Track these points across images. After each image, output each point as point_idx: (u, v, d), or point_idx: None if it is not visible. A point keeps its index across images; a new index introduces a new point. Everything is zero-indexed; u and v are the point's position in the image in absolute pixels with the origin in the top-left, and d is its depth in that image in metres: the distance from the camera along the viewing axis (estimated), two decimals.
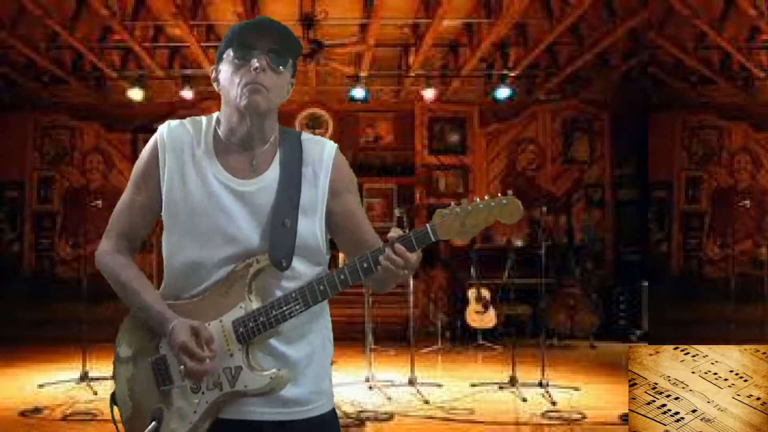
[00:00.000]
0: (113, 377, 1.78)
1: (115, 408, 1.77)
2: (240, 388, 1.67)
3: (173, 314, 1.69)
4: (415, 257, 1.63)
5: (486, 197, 1.70)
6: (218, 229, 1.71)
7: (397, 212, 6.76)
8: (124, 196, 1.81)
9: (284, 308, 1.67)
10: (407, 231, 1.66)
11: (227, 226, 1.72)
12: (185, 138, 1.78)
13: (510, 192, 1.70)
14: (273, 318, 1.67)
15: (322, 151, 1.83)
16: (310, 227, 1.76)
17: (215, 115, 1.83)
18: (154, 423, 1.68)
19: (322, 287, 1.68)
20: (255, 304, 1.69)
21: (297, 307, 1.68)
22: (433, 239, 1.66)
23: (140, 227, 1.81)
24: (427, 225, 1.66)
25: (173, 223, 1.75)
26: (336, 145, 1.87)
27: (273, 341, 1.72)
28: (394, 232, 1.65)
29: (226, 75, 1.75)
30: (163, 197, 1.75)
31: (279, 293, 1.72)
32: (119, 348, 1.78)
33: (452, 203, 1.69)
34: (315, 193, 1.78)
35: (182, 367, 1.64)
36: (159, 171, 1.76)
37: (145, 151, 1.79)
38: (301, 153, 1.81)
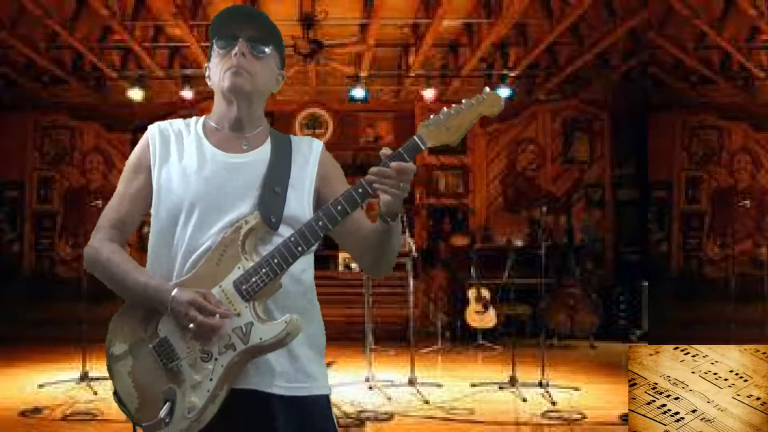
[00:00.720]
0: (111, 377, 1.75)
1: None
2: (255, 342, 1.66)
3: (171, 285, 1.69)
4: (410, 164, 1.63)
5: (464, 100, 1.73)
6: (208, 199, 1.74)
7: None
8: (116, 191, 1.85)
9: (285, 253, 1.67)
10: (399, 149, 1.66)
11: (216, 196, 1.74)
12: (173, 130, 1.86)
13: (487, 89, 1.74)
14: (276, 265, 1.67)
15: (310, 143, 1.91)
16: (299, 198, 1.80)
17: (203, 117, 1.92)
18: (168, 403, 1.66)
19: (321, 222, 1.67)
20: (252, 262, 1.69)
21: (299, 248, 1.67)
22: (423, 147, 1.67)
23: (131, 216, 1.82)
24: (414, 136, 1.67)
25: (161, 207, 1.77)
26: (322, 144, 1.94)
27: (278, 313, 1.71)
28: (384, 153, 1.65)
29: (213, 65, 1.83)
30: (153, 181, 1.79)
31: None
32: (113, 347, 1.75)
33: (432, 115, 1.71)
34: (303, 174, 1.84)
35: (192, 325, 1.62)
36: (150, 160, 1.80)
37: (136, 148, 1.86)
38: (290, 144, 1.88)
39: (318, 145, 1.91)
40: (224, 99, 1.83)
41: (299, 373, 1.78)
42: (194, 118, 1.91)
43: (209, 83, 1.88)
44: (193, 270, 1.72)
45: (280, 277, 1.68)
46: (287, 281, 1.73)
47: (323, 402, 1.83)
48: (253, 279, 1.67)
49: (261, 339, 1.66)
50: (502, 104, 1.73)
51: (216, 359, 1.66)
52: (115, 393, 1.75)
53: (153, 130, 1.85)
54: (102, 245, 1.78)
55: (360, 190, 1.66)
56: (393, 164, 1.62)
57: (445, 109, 1.70)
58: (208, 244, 1.72)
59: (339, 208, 1.66)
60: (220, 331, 1.65)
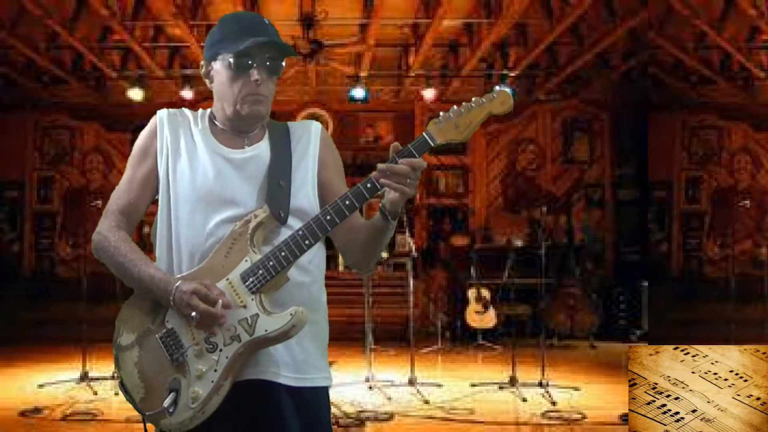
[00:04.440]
0: (117, 367, 1.76)
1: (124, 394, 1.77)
2: (260, 333, 1.67)
3: (176, 278, 1.71)
4: (420, 160, 1.64)
5: (474, 99, 1.73)
6: (214, 194, 1.76)
7: None
8: (123, 177, 1.85)
9: (292, 246, 1.68)
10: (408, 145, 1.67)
11: (222, 189, 1.76)
12: (183, 118, 1.87)
13: (497, 87, 1.73)
14: (283, 258, 1.68)
15: (309, 128, 1.92)
16: (303, 190, 1.82)
17: (210, 110, 1.91)
18: (172, 394, 1.67)
19: (329, 217, 1.68)
20: (260, 255, 1.70)
21: (307, 242, 1.68)
22: (432, 144, 1.68)
23: (139, 202, 1.83)
24: (424, 133, 1.68)
25: (168, 196, 1.79)
26: (321, 125, 1.95)
27: (283, 304, 1.72)
28: (393, 148, 1.66)
29: (223, 78, 1.81)
30: (160, 170, 1.81)
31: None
32: (120, 338, 1.77)
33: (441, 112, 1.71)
34: (305, 162, 1.85)
35: (194, 313, 1.63)
36: (157, 145, 1.82)
37: (143, 132, 1.86)
38: (288, 132, 1.89)
39: (317, 128, 1.92)
40: (234, 115, 1.81)
41: (305, 364, 1.79)
42: (200, 111, 1.91)
43: (207, 82, 1.88)
44: (201, 263, 1.74)
45: (287, 269, 1.69)
46: (294, 273, 1.75)
47: (324, 393, 1.85)
48: (260, 272, 1.68)
49: (266, 330, 1.66)
50: (512, 102, 1.74)
51: (221, 350, 1.67)
52: (121, 383, 1.76)
53: (161, 115, 1.86)
54: (110, 232, 1.78)
55: (368, 185, 1.67)
56: (403, 160, 1.63)
57: (455, 106, 1.71)
58: (214, 238, 1.74)
59: (347, 202, 1.67)
60: (226, 323, 1.66)
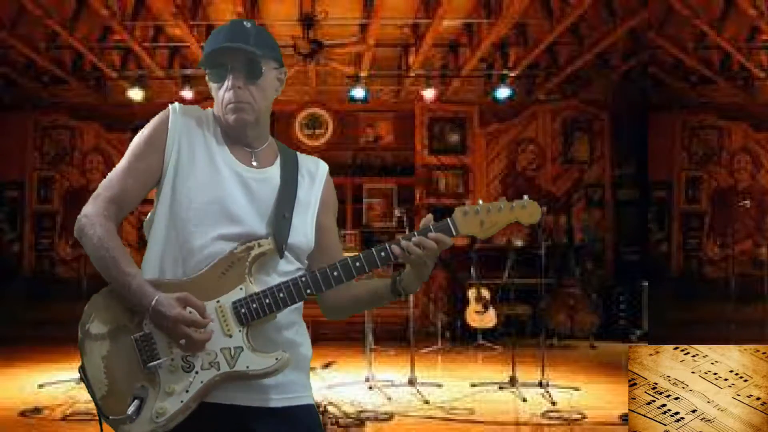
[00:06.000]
0: (82, 353, 1.68)
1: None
2: (241, 368, 1.64)
3: (154, 290, 1.62)
4: (448, 239, 1.68)
5: (503, 198, 1.77)
6: (220, 207, 1.71)
7: (397, 212, 6.77)
8: (121, 164, 1.75)
9: (293, 291, 1.67)
10: (432, 222, 1.70)
11: (230, 205, 1.72)
12: (198, 117, 1.81)
13: (526, 197, 1.77)
14: (281, 300, 1.67)
15: (317, 165, 1.92)
16: (302, 228, 1.81)
17: (211, 110, 1.86)
18: (136, 401, 1.62)
19: (336, 273, 1.68)
20: (255, 287, 1.68)
21: (308, 291, 1.68)
22: (453, 233, 1.70)
23: (134, 194, 1.73)
24: (448, 218, 1.70)
25: (172, 194, 1.72)
26: (327, 167, 1.95)
27: (270, 338, 1.71)
28: (426, 220, 1.69)
29: (211, 90, 1.81)
30: (166, 166, 1.73)
31: (273, 280, 1.72)
32: (90, 325, 1.67)
33: (467, 202, 1.76)
34: (309, 197, 1.85)
35: (183, 341, 1.60)
36: (167, 140, 1.74)
37: (153, 122, 1.77)
38: (297, 162, 1.88)
39: (324, 168, 1.92)
40: (227, 125, 1.79)
41: (292, 384, 1.77)
42: (210, 110, 1.85)
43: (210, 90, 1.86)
44: (193, 274, 1.69)
45: (276, 313, 1.68)
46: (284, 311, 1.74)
47: (314, 410, 1.83)
48: (254, 305, 1.66)
49: (248, 367, 1.64)
50: (540, 216, 1.76)
51: (197, 372, 1.64)
52: (82, 369, 1.68)
53: (176, 107, 1.79)
54: (98, 220, 1.67)
55: (383, 253, 1.69)
56: (431, 234, 1.67)
57: (484, 203, 1.74)
58: (208, 250, 1.69)
59: (357, 264, 1.69)
60: (207, 347, 1.63)
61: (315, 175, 1.88)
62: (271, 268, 1.74)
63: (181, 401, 1.63)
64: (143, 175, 1.73)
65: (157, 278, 1.69)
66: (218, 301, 1.67)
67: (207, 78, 1.81)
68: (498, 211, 1.72)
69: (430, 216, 1.70)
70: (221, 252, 1.70)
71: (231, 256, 1.69)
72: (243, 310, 1.66)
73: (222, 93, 1.76)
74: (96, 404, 1.68)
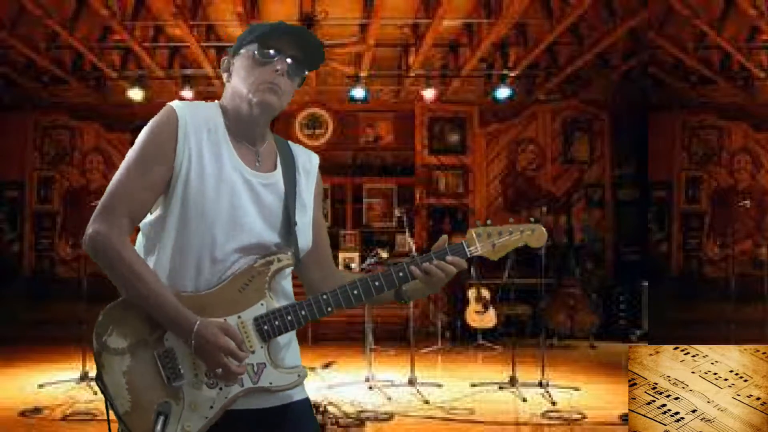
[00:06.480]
0: (100, 366, 1.64)
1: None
2: (264, 384, 1.67)
3: (191, 313, 1.61)
4: (464, 263, 1.77)
5: (511, 221, 1.84)
6: (231, 217, 1.69)
7: (397, 212, 6.78)
8: (130, 174, 1.67)
9: (314, 310, 1.70)
10: (447, 244, 1.78)
11: (241, 215, 1.70)
12: (203, 118, 1.73)
13: (533, 221, 1.83)
14: (302, 317, 1.70)
15: (310, 159, 1.91)
16: (306, 231, 1.82)
17: (218, 103, 1.80)
18: (161, 417, 1.61)
19: (356, 292, 1.72)
20: (276, 303, 1.70)
21: (329, 308, 1.71)
22: (468, 256, 1.78)
23: (147, 207, 1.69)
24: (463, 242, 1.78)
25: (182, 203, 1.66)
26: (318, 158, 1.95)
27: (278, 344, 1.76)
28: (441, 241, 1.78)
29: (242, 69, 1.74)
30: (176, 176, 1.66)
31: (285, 290, 1.78)
32: (108, 338, 1.64)
33: (477, 222, 1.83)
34: (308, 195, 1.86)
35: (220, 370, 1.61)
36: (177, 149, 1.67)
37: (159, 126, 1.69)
38: (293, 159, 1.86)
39: (316, 160, 1.92)
40: (247, 107, 1.72)
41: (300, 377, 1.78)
42: (213, 108, 1.78)
43: (224, 77, 1.80)
44: (209, 286, 1.68)
45: (302, 327, 1.72)
46: (284, 303, 1.77)
47: (292, 408, 1.81)
48: (276, 323, 1.68)
49: (270, 383, 1.68)
50: (545, 240, 1.82)
51: (221, 389, 1.65)
52: (101, 382, 1.65)
53: (182, 112, 1.69)
54: (118, 240, 1.63)
55: (401, 274, 1.73)
56: (448, 258, 1.75)
57: (495, 226, 1.80)
58: (223, 264, 1.68)
59: (377, 284, 1.72)
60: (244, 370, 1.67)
61: (310, 171, 1.88)
62: (284, 279, 1.79)
63: (206, 417, 1.65)
64: (157, 187, 1.67)
65: (177, 291, 1.66)
66: (239, 317, 1.67)
67: (243, 53, 1.74)
68: (509, 234, 1.79)
69: (444, 237, 1.78)
70: (235, 263, 1.69)
71: (251, 270, 1.69)
72: (266, 327, 1.67)
73: (258, 72, 1.71)
74: (118, 417, 1.66)
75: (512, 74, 8.10)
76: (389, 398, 5.65)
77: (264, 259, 1.70)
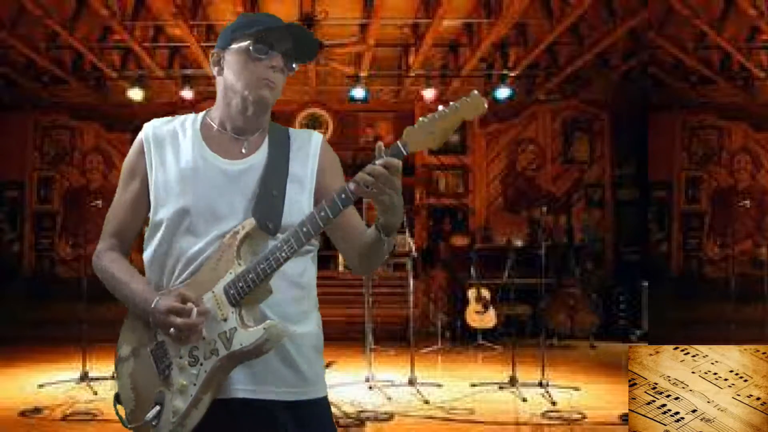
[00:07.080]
0: (117, 379, 1.78)
1: (120, 407, 1.76)
2: (236, 347, 1.63)
3: (154, 293, 1.71)
4: (394, 160, 1.65)
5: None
6: (209, 209, 1.72)
7: None
8: (116, 197, 1.85)
9: (270, 258, 1.64)
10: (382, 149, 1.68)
11: (217, 204, 1.72)
12: (168, 130, 1.82)
13: (475, 91, 1.69)
14: (261, 270, 1.64)
15: (310, 136, 1.92)
16: (298, 204, 1.77)
17: (206, 110, 1.87)
18: (157, 407, 1.67)
19: (305, 228, 1.63)
20: (243, 267, 1.67)
21: (282, 254, 1.63)
22: (405, 153, 1.67)
23: (130, 223, 1.83)
24: (398, 141, 1.67)
25: (158, 208, 1.76)
26: (322, 136, 1.95)
27: (275, 317, 1.69)
28: (377, 148, 1.67)
29: (235, 64, 1.76)
30: (151, 186, 1.78)
31: (287, 274, 1.73)
32: (120, 349, 1.78)
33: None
34: (304, 170, 1.83)
35: (172, 329, 1.63)
36: (145, 163, 1.79)
37: (131, 151, 1.85)
38: (288, 138, 1.88)
39: (318, 137, 1.92)
40: (241, 102, 1.77)
41: (298, 378, 1.77)
42: (191, 116, 1.86)
43: (214, 71, 1.82)
44: (192, 276, 1.72)
45: (267, 281, 1.66)
46: (283, 285, 1.72)
47: (323, 404, 1.84)
48: (240, 284, 1.65)
49: (242, 345, 1.63)
50: (485, 107, 1.69)
51: (201, 364, 1.66)
52: (116, 395, 1.77)
53: (147, 131, 1.83)
54: (103, 255, 1.82)
55: (342, 195, 1.64)
56: (378, 161, 1.63)
57: (431, 114, 1.68)
58: (206, 252, 1.71)
59: (322, 214, 1.63)
60: (206, 336, 1.65)
61: (308, 148, 1.87)
62: (264, 246, 1.71)
63: (191, 395, 1.66)
64: (134, 204, 1.82)
65: (165, 287, 1.75)
66: (213, 291, 1.68)
67: (235, 48, 1.76)
68: (444, 116, 1.66)
69: (380, 143, 1.66)
70: (212, 250, 1.72)
71: (221, 247, 1.70)
72: (231, 291, 1.66)
73: (255, 69, 1.74)
74: (123, 423, 1.75)
75: (512, 74, 8.10)
76: (389, 398, 5.65)
77: (231, 232, 1.70)
